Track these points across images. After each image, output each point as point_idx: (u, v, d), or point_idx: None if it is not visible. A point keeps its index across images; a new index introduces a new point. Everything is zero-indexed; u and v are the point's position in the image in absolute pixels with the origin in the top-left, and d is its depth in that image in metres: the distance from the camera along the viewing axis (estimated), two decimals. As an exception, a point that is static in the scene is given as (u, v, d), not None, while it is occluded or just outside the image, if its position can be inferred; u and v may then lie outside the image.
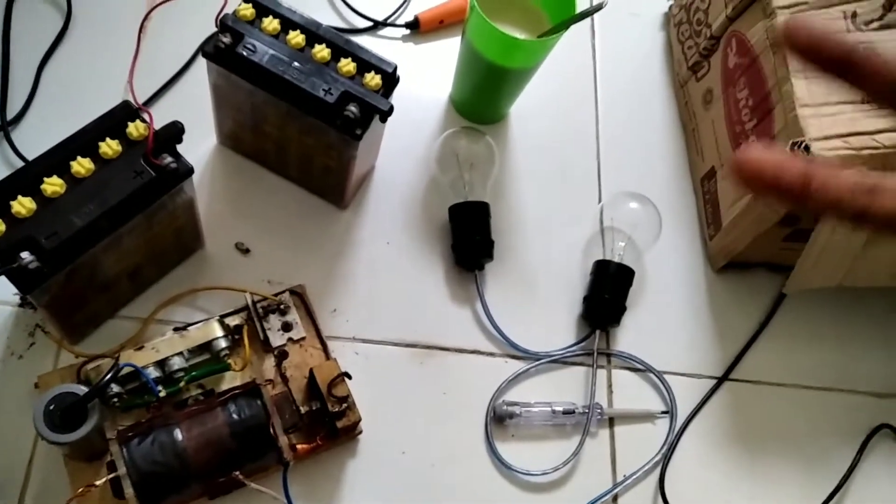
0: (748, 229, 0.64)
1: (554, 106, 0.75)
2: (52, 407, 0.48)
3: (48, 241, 0.46)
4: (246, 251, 0.63)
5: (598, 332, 0.64)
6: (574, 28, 0.61)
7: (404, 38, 0.76)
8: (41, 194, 0.47)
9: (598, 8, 0.58)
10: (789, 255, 0.63)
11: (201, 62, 0.70)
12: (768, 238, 0.63)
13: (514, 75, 0.65)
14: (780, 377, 0.67)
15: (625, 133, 0.75)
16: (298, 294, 0.61)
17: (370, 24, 0.75)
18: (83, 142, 0.49)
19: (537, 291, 0.67)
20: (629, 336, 0.66)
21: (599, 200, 0.71)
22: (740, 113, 0.65)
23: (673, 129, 0.76)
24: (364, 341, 0.62)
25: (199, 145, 0.66)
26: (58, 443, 0.47)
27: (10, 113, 0.65)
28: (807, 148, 0.54)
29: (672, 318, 0.68)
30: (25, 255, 0.45)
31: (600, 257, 0.66)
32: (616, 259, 0.65)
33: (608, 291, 0.64)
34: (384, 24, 0.75)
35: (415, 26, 0.75)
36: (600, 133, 0.75)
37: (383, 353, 0.62)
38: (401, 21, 0.76)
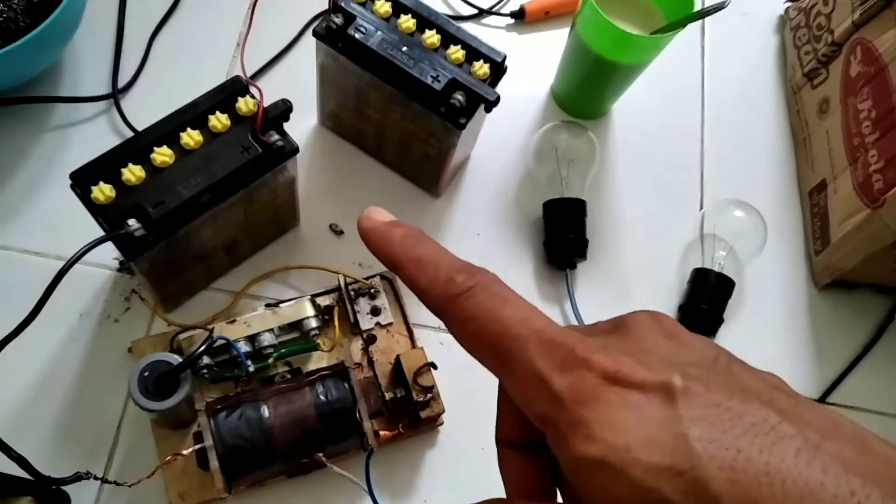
0: (860, 247, 0.60)
1: (659, 105, 0.73)
2: (146, 374, 0.49)
3: (155, 210, 0.47)
4: (339, 233, 0.63)
5: (691, 342, 0.62)
6: (686, 26, 0.59)
7: (508, 28, 0.75)
8: (151, 163, 0.48)
9: (720, 7, 0.56)
10: (902, 278, 0.60)
11: (307, 41, 0.70)
12: (880, 258, 0.60)
13: (623, 71, 0.63)
14: (882, 405, 0.63)
15: (731, 138, 0.72)
16: (388, 279, 0.60)
17: (475, 11, 0.74)
18: (194, 114, 0.49)
19: (630, 295, 0.65)
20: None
21: (701, 206, 0.69)
22: (860, 125, 0.61)
23: (782, 138, 0.73)
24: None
25: (300, 124, 0.66)
26: (150, 409, 0.48)
27: (121, 82, 0.66)
28: (938, 166, 0.51)
29: (770, 334, 0.65)
30: (132, 222, 0.46)
31: (699, 265, 0.64)
32: (716, 268, 0.63)
33: (706, 301, 0.62)
34: (489, 12, 0.74)
35: (520, 16, 0.74)
36: (705, 136, 0.72)
37: (468, 345, 0.61)
38: (506, 10, 0.74)
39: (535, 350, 0.22)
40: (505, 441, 0.27)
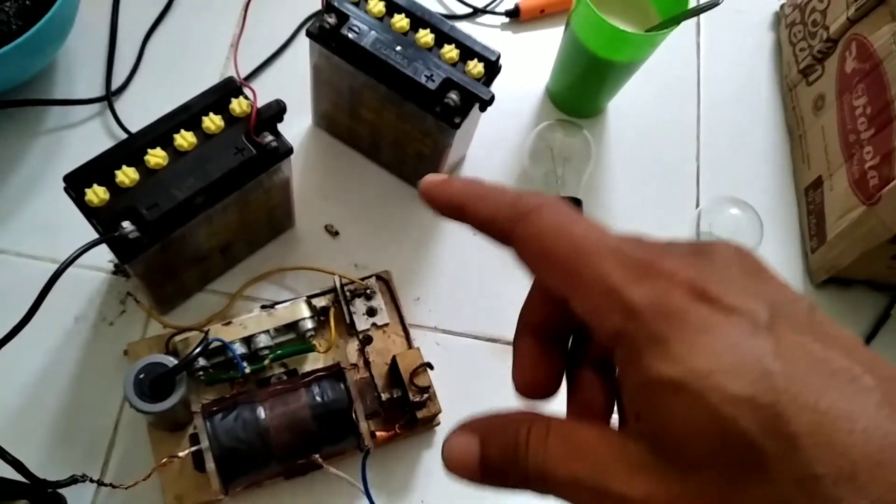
0: (856, 244, 0.60)
1: (654, 102, 0.73)
2: (141, 376, 0.49)
3: (149, 213, 0.46)
4: (335, 233, 0.63)
5: (687, 340, 0.62)
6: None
7: (503, 26, 0.75)
8: (145, 165, 0.48)
9: (714, 4, 0.56)
10: (899, 275, 0.60)
11: (301, 42, 0.70)
12: (877, 255, 0.60)
13: (618, 69, 0.63)
14: (878, 402, 0.63)
15: (727, 135, 0.72)
16: (384, 280, 0.60)
17: (469, 10, 0.74)
18: (187, 115, 0.49)
19: (626, 294, 0.64)
20: (719, 347, 0.64)
21: (697, 204, 0.69)
22: (856, 121, 0.61)
23: (778, 135, 0.73)
24: (446, 332, 0.62)
25: (294, 125, 0.66)
26: (146, 412, 0.48)
27: (115, 84, 0.66)
28: (933, 162, 0.51)
29: (766, 331, 0.65)
30: (127, 224, 0.46)
31: (695, 263, 0.64)
32: (712, 266, 0.62)
33: (702, 299, 0.62)
34: (484, 10, 0.74)
35: (515, 14, 0.74)
36: (701, 134, 0.72)
37: (464, 345, 0.61)
38: (500, 9, 0.74)
39: (611, 263, 0.21)
40: (529, 323, 0.26)
